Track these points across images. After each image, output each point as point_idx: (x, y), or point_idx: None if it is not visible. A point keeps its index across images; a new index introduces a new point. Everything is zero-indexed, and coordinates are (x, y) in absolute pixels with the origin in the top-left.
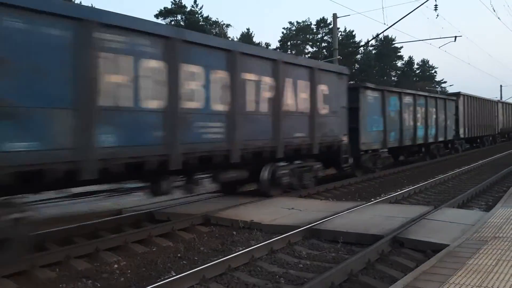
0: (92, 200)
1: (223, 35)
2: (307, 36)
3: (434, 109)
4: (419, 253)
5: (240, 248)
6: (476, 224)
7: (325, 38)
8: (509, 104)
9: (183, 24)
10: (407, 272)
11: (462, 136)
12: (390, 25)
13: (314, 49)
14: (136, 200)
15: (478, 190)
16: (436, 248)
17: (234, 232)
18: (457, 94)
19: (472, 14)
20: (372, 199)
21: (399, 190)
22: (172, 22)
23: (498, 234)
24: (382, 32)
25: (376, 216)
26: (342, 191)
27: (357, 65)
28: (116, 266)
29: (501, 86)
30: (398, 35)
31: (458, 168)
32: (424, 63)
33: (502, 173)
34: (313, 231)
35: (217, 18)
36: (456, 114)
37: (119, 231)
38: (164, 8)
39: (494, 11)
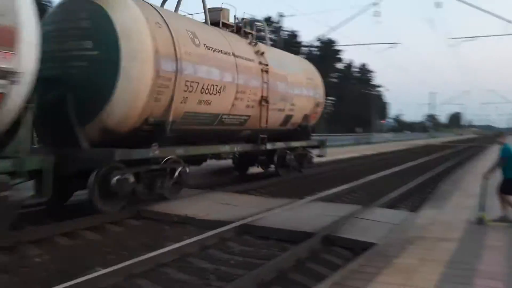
0: None
1: None
2: None
3: None
4: (348, 251)
5: (172, 243)
6: (402, 224)
7: (271, 37)
8: None
9: None
10: (336, 270)
11: None
12: (333, 28)
13: None
14: None
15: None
16: (364, 246)
17: (167, 227)
18: None
19: (411, 24)
20: (306, 197)
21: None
22: None
23: (423, 234)
24: (326, 34)
25: (309, 213)
26: (277, 188)
27: None
28: (38, 259)
29: (430, 93)
30: (339, 38)
31: None
32: (363, 67)
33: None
34: (246, 227)
35: None
36: None
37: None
38: None
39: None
